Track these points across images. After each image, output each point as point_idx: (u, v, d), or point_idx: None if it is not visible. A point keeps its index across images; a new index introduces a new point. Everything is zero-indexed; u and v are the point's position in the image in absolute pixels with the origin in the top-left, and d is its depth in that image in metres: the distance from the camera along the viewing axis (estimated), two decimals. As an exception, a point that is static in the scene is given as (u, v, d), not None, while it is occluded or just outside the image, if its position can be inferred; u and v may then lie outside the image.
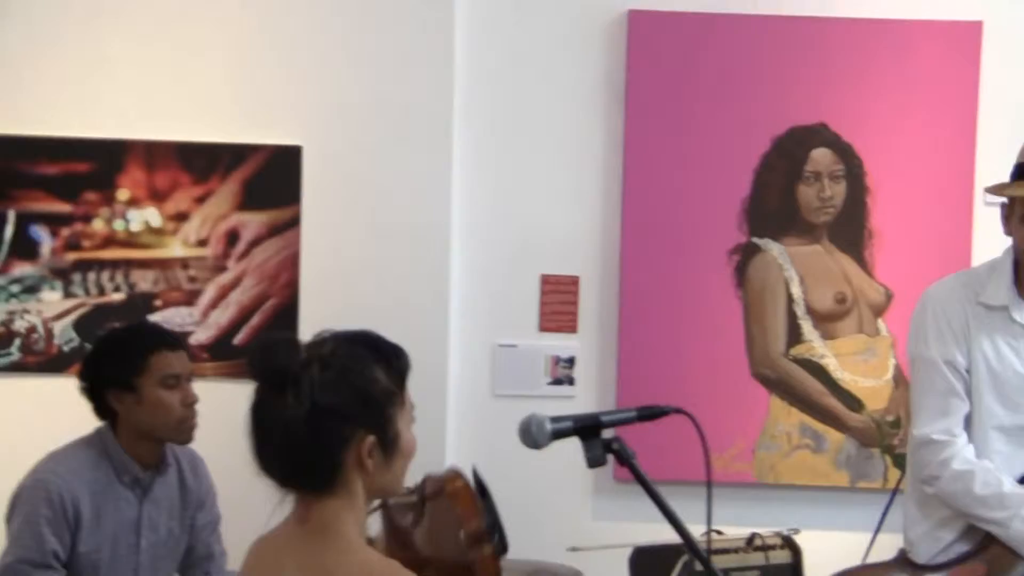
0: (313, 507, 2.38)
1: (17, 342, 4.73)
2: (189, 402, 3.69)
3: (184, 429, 3.71)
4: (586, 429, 2.58)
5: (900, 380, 4.79)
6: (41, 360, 4.74)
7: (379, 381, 2.37)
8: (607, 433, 2.61)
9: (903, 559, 3.72)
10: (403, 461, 2.43)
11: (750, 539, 4.16)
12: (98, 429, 3.73)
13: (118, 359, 3.67)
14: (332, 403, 2.32)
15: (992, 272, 3.67)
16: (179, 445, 3.80)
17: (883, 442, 4.83)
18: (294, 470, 2.37)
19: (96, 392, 3.69)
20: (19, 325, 4.74)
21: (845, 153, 4.80)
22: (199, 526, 3.93)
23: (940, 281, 3.79)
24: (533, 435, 2.59)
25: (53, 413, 4.58)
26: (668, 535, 3.57)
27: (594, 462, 2.55)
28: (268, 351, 2.36)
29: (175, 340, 3.78)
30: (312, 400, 2.31)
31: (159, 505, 3.79)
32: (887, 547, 3.95)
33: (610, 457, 2.62)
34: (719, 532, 3.56)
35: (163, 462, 3.79)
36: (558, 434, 2.58)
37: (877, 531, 4.13)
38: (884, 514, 4.15)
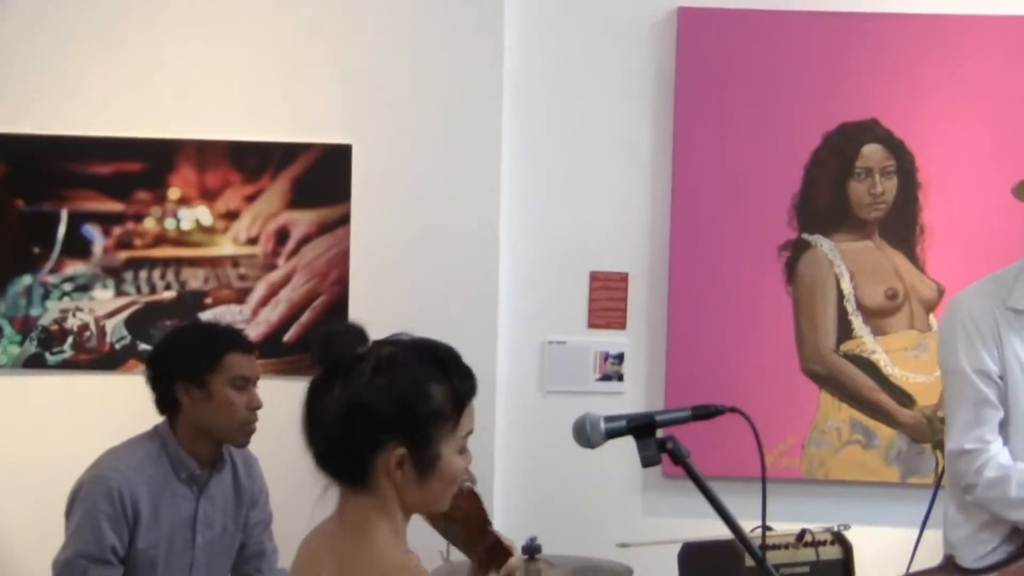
0: (349, 503, 2.39)
1: (70, 340, 4.76)
2: (254, 406, 3.72)
3: (244, 432, 3.74)
4: (640, 428, 2.57)
5: (951, 376, 4.77)
6: (93, 358, 4.77)
7: (431, 398, 2.33)
8: (660, 432, 2.61)
9: (950, 563, 3.69)
10: (441, 485, 2.38)
11: (800, 535, 4.15)
12: (156, 427, 3.76)
13: (194, 354, 3.70)
14: (371, 404, 2.31)
15: (1019, 274, 3.64)
16: (235, 447, 3.83)
17: (934, 438, 4.80)
18: (327, 460, 2.37)
19: (164, 383, 3.71)
20: (72, 323, 4.78)
21: (897, 149, 4.78)
22: (252, 524, 3.95)
23: (966, 289, 3.75)
24: (587, 435, 2.59)
25: (105, 410, 4.64)
26: (717, 531, 3.59)
27: (648, 461, 2.55)
28: (330, 339, 2.36)
29: (249, 344, 3.82)
30: (353, 396, 2.31)
31: (215, 503, 3.81)
32: (935, 543, 3.93)
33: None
34: (769, 528, 3.55)
35: (220, 460, 3.81)
36: (612, 434, 2.58)
37: (922, 530, 4.11)
38: (928, 511, 4.13)
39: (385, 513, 2.36)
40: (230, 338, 3.78)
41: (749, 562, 3.91)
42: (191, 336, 3.84)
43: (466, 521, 2.64)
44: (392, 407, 2.31)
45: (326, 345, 2.36)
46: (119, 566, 3.62)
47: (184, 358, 3.69)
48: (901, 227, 4.81)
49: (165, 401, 3.72)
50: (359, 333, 2.39)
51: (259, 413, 4.21)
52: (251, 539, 3.96)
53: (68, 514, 3.67)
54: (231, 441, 3.77)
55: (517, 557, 2.83)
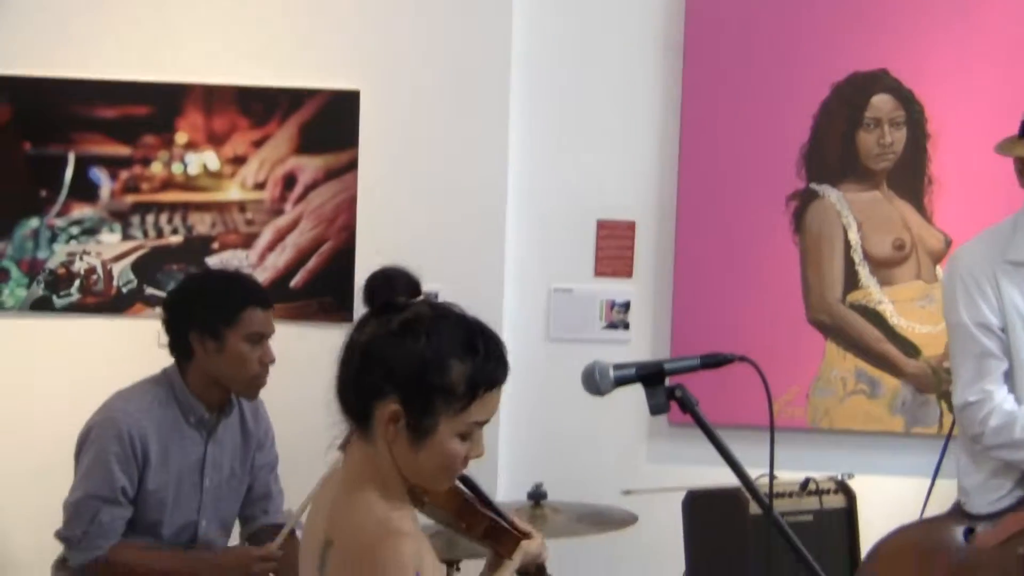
0: (353, 444, 2.41)
1: (77, 283, 4.77)
2: (267, 361, 3.73)
3: (254, 386, 3.76)
4: (649, 376, 2.58)
5: (957, 327, 4.78)
6: (100, 301, 4.78)
7: (446, 372, 2.31)
8: (668, 380, 2.61)
9: (959, 511, 3.71)
10: (432, 459, 2.34)
11: (804, 484, 4.17)
12: (165, 370, 3.78)
13: (212, 305, 3.70)
14: (387, 353, 2.32)
15: (1015, 227, 3.69)
16: (245, 400, 3.84)
17: (939, 388, 4.81)
18: (340, 389, 2.40)
19: (179, 329, 3.72)
20: (79, 267, 4.78)
21: (906, 99, 4.77)
22: (257, 467, 3.98)
23: (964, 244, 3.81)
24: (596, 382, 2.59)
25: (112, 353, 4.66)
26: (722, 479, 3.61)
27: (657, 409, 2.55)
28: (383, 279, 2.38)
29: (268, 299, 3.81)
30: (373, 340, 2.34)
31: (223, 446, 3.83)
32: (944, 493, 3.95)
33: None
34: (774, 477, 3.57)
35: (228, 405, 3.83)
36: (621, 381, 2.59)
37: (934, 479, 4.13)
38: (940, 461, 4.15)
39: (379, 467, 2.36)
40: (250, 293, 3.78)
41: (753, 510, 3.97)
42: (211, 286, 3.84)
43: (450, 512, 2.61)
44: (403, 364, 2.30)
45: (374, 284, 2.38)
46: (129, 506, 3.65)
47: (202, 308, 3.69)
48: (909, 178, 4.80)
49: (178, 345, 3.74)
50: (413, 284, 2.40)
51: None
52: (257, 481, 3.99)
53: (78, 456, 3.70)
54: (240, 394, 3.80)
55: (536, 543, 2.74)
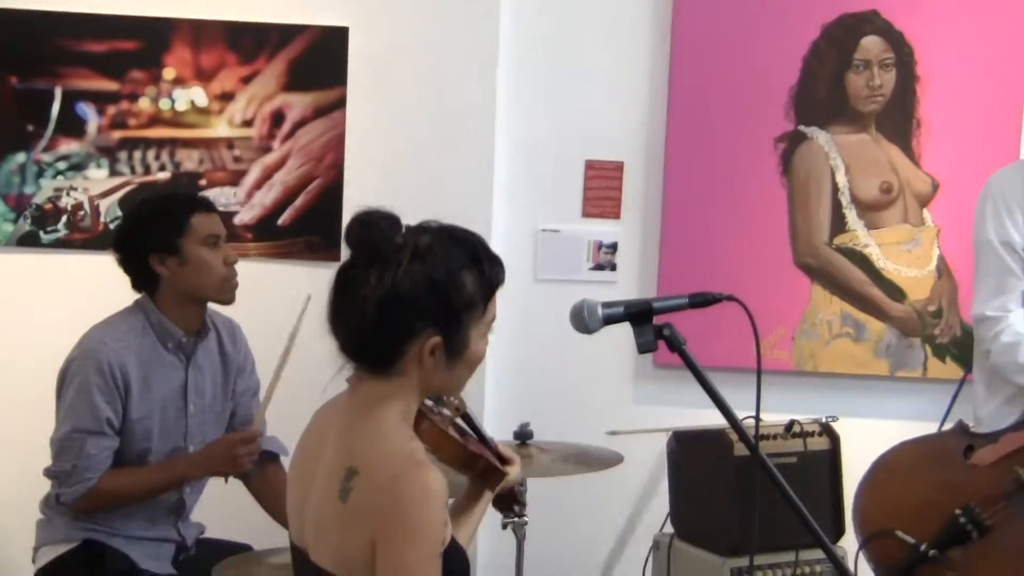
0: (364, 383, 2.44)
1: (64, 219, 4.76)
2: (231, 261, 3.74)
3: (227, 288, 3.76)
4: (638, 315, 2.58)
5: (943, 271, 4.79)
6: (87, 237, 4.77)
7: (465, 287, 2.40)
8: (656, 319, 2.62)
9: (961, 429, 3.76)
10: (466, 368, 2.47)
11: (789, 426, 4.19)
12: (137, 300, 3.77)
13: (160, 223, 3.70)
14: (410, 293, 2.35)
15: None
16: (223, 305, 3.83)
17: (924, 332, 4.83)
18: (357, 346, 2.42)
19: (136, 260, 3.72)
20: (65, 202, 4.77)
21: (896, 41, 4.75)
22: (239, 392, 3.99)
23: (1001, 168, 3.88)
24: (585, 320, 2.59)
25: (99, 289, 4.60)
26: (706, 420, 3.63)
27: (645, 347, 2.56)
28: (369, 225, 2.38)
29: (210, 203, 3.82)
30: (393, 284, 2.34)
31: (203, 371, 3.84)
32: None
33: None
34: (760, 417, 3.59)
35: (204, 327, 3.83)
36: (610, 319, 2.59)
37: (944, 419, 4.14)
38: (952, 403, 4.17)
39: (401, 397, 2.42)
40: (190, 201, 3.80)
41: (737, 451, 3.99)
42: (152, 208, 3.81)
43: (445, 458, 2.63)
44: (430, 295, 2.36)
45: (366, 229, 2.37)
46: (115, 437, 3.66)
47: (152, 230, 3.70)
48: (898, 120, 4.79)
49: (142, 277, 3.74)
50: (395, 221, 2.41)
51: (254, 294, 4.22)
52: (239, 407, 4.00)
53: (60, 392, 3.70)
54: (216, 299, 3.79)
55: (515, 470, 2.84)
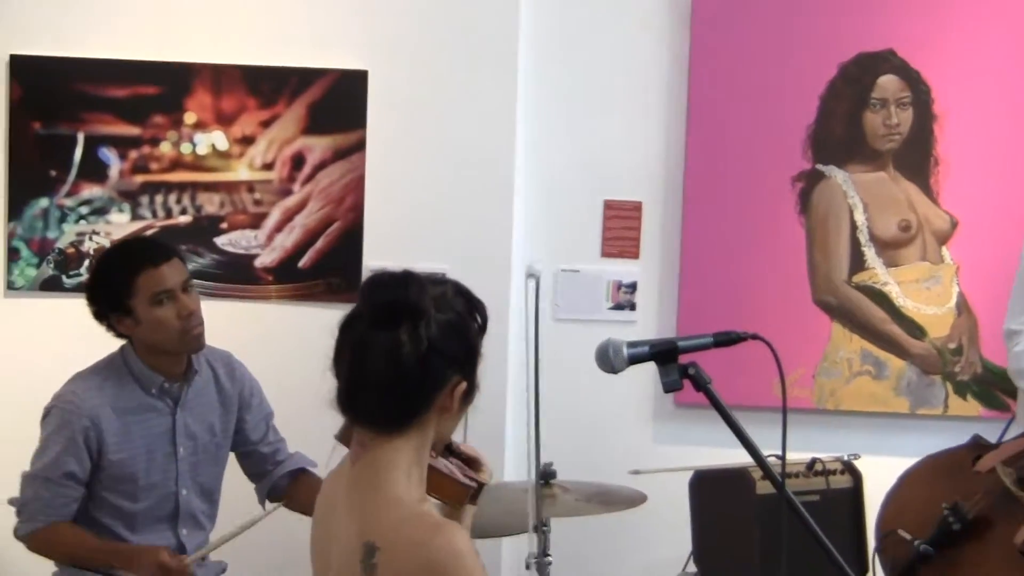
0: (369, 449, 2.41)
1: (86, 263, 4.77)
2: (184, 314, 3.68)
3: (188, 340, 3.72)
4: (663, 354, 2.60)
5: (963, 308, 4.80)
6: (109, 281, 4.78)
7: (473, 334, 2.43)
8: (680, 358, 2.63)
9: (975, 442, 3.80)
10: (465, 411, 2.50)
11: (811, 464, 4.20)
12: (121, 347, 3.80)
13: (107, 285, 3.71)
14: (442, 343, 2.36)
15: None
16: (193, 353, 3.81)
17: (944, 369, 4.83)
18: (382, 406, 2.38)
19: (100, 318, 3.74)
20: (88, 246, 4.79)
21: (913, 80, 4.77)
22: (252, 426, 3.98)
23: None
24: (610, 359, 2.61)
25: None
26: (727, 459, 3.63)
27: (670, 387, 2.57)
28: (391, 285, 2.38)
29: (160, 254, 3.73)
30: (430, 339, 2.34)
31: (194, 412, 3.84)
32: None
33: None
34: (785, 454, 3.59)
35: (190, 369, 3.83)
36: (635, 359, 2.61)
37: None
38: (1002, 435, 4.15)
39: (415, 450, 2.40)
40: (137, 256, 3.73)
41: (759, 490, 3.99)
42: (101, 267, 3.82)
43: (449, 498, 2.62)
44: (461, 345, 2.39)
45: (390, 289, 2.37)
46: (78, 487, 3.69)
47: (101, 291, 3.72)
48: (916, 158, 4.80)
49: (112, 330, 3.76)
50: (417, 278, 2.40)
51: (273, 337, 4.24)
52: (260, 441, 4.00)
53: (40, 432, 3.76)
54: (180, 351, 3.77)
55: (488, 472, 2.76)
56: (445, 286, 2.43)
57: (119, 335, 3.77)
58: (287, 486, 3.98)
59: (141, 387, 3.76)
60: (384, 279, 2.40)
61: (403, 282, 2.37)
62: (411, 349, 2.33)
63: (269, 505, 3.88)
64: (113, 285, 3.68)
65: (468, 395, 2.43)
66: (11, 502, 3.75)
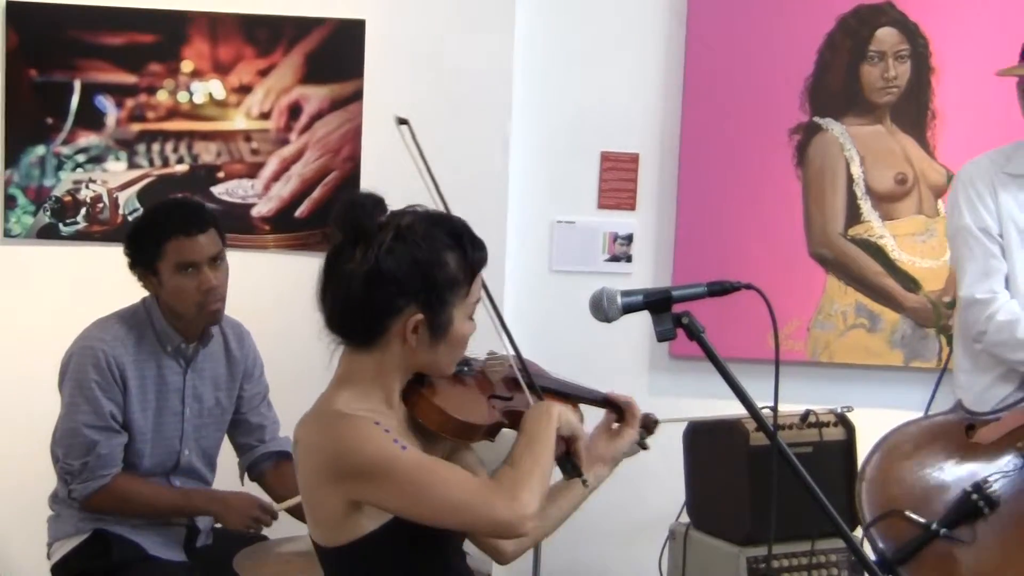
0: (345, 360, 2.52)
1: (83, 211, 4.78)
2: (204, 288, 3.69)
3: (205, 314, 3.74)
4: (657, 303, 2.60)
5: (958, 261, 4.81)
6: (106, 229, 4.79)
7: (447, 266, 2.45)
8: (675, 307, 2.64)
9: (960, 408, 3.80)
10: (450, 349, 2.52)
11: (804, 416, 4.20)
12: (143, 299, 3.81)
13: (140, 244, 3.72)
14: (392, 270, 2.41)
15: (1018, 147, 3.88)
16: (209, 325, 3.84)
17: (939, 322, 4.85)
18: (341, 321, 2.48)
19: (131, 269, 3.76)
20: (85, 195, 4.79)
21: (911, 32, 4.77)
22: (248, 397, 4.00)
23: (969, 161, 3.96)
24: (604, 308, 2.62)
25: (118, 281, 4.64)
26: (721, 411, 3.64)
27: (664, 336, 2.58)
28: (354, 207, 2.46)
29: (195, 224, 3.72)
30: (376, 261, 2.41)
31: (203, 376, 3.86)
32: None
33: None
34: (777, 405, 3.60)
35: (206, 334, 3.85)
36: (629, 308, 2.62)
37: (928, 407, 4.17)
38: (933, 395, 4.21)
39: (379, 372, 2.48)
40: (173, 223, 3.72)
41: (753, 441, 4.00)
42: (139, 224, 3.84)
43: (443, 429, 2.63)
44: (411, 274, 2.42)
45: (352, 210, 2.45)
46: (122, 433, 3.69)
47: (135, 248, 3.73)
48: (913, 112, 4.81)
49: (141, 281, 3.78)
50: (379, 202, 2.48)
51: (270, 286, 4.24)
52: (250, 411, 4.01)
53: (60, 386, 3.74)
54: (196, 322, 3.79)
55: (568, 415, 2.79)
56: (408, 216, 2.48)
57: (145, 288, 3.79)
58: (269, 470, 4.00)
59: (160, 343, 3.77)
60: (350, 200, 2.50)
61: (361, 204, 2.46)
62: (356, 270, 2.42)
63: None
64: (145, 245, 3.70)
65: (434, 329, 2.45)
66: (59, 470, 3.71)
